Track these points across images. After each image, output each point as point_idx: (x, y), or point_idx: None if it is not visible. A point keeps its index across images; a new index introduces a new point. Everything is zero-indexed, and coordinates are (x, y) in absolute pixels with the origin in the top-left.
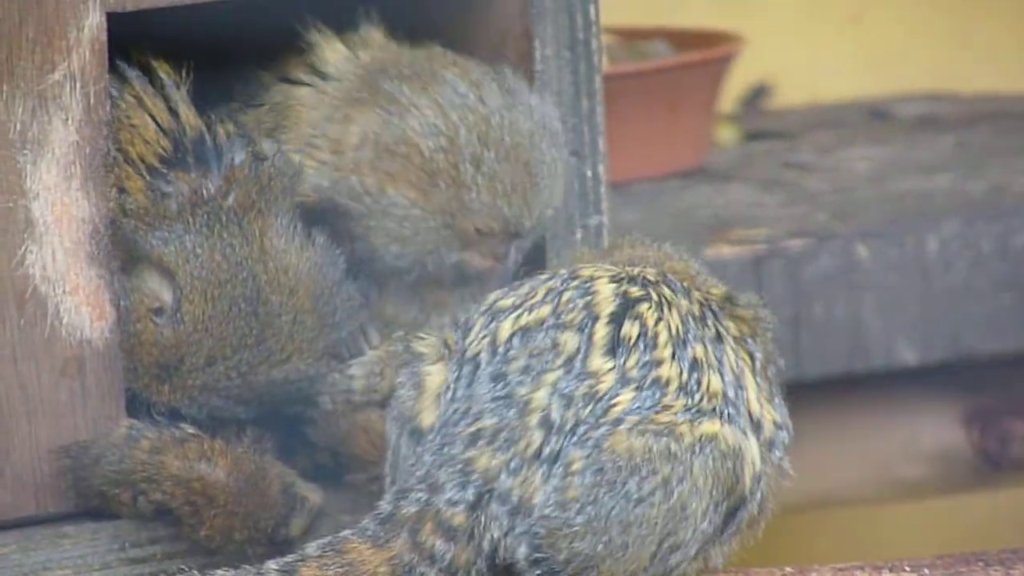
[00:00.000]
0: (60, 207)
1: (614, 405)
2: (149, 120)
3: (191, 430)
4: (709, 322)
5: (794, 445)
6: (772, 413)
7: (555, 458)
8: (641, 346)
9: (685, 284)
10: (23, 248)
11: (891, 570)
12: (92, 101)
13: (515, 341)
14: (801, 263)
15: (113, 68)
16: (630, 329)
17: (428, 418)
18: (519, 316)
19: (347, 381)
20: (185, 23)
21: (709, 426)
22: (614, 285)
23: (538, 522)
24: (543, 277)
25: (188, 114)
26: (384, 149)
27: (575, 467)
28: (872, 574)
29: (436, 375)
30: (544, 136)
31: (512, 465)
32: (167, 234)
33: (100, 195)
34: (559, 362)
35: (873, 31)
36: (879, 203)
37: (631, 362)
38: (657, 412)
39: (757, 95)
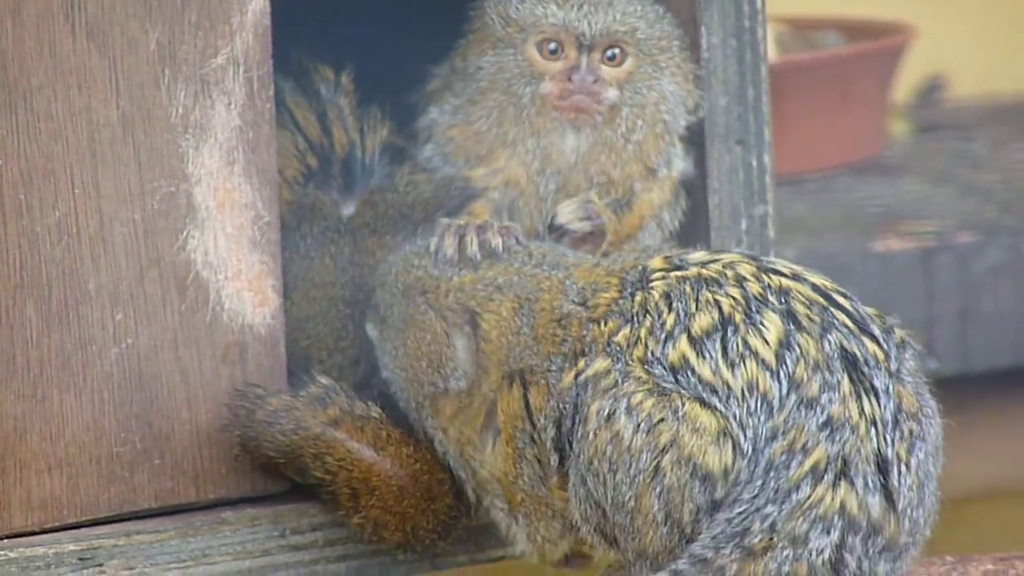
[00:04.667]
0: (223, 192)
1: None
2: (299, 137)
3: (376, 413)
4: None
5: (961, 436)
6: None
7: (898, 458)
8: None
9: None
10: (185, 233)
11: None
12: (255, 86)
13: (787, 359)
14: (970, 257)
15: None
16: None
17: (715, 459)
18: (760, 334)
19: None
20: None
21: None
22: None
23: (905, 536)
24: (697, 287)
25: (339, 131)
26: None
27: (903, 453)
28: None
29: (702, 416)
30: None
31: (870, 484)
32: (284, 240)
33: (263, 180)
34: (840, 366)
35: None
36: None
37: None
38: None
39: (932, 88)
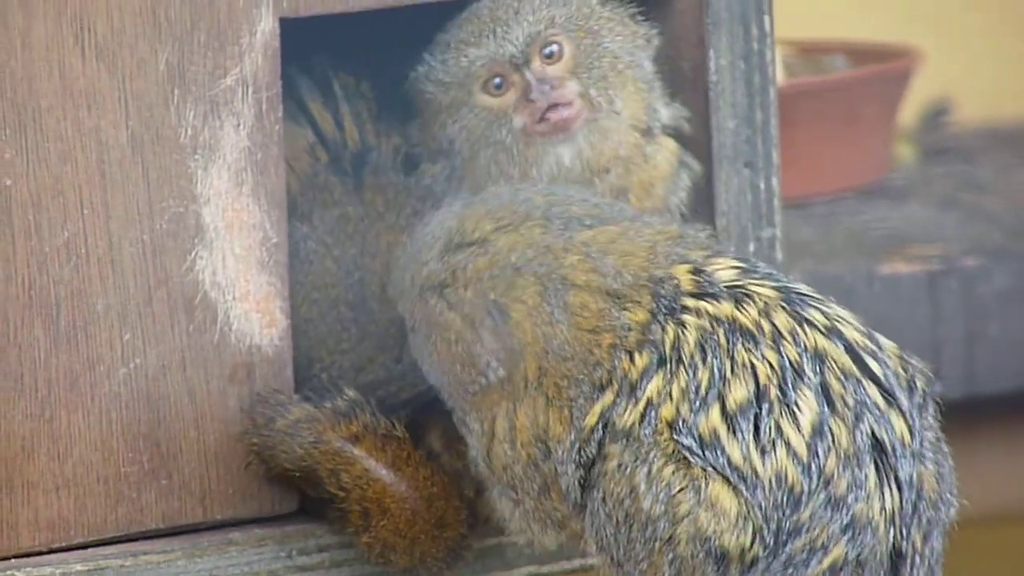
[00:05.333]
0: (231, 213)
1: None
2: (311, 131)
3: (400, 432)
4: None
5: (967, 460)
6: None
7: (912, 548)
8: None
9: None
10: (193, 253)
11: None
12: (264, 107)
13: (819, 451)
14: (976, 280)
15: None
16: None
17: (732, 541)
18: (795, 417)
19: None
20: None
21: None
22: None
23: None
24: (722, 352)
25: (352, 128)
26: None
27: (919, 542)
28: None
29: (724, 496)
30: None
31: None
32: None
33: (271, 202)
34: (868, 459)
35: None
36: None
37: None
38: None
39: (938, 113)
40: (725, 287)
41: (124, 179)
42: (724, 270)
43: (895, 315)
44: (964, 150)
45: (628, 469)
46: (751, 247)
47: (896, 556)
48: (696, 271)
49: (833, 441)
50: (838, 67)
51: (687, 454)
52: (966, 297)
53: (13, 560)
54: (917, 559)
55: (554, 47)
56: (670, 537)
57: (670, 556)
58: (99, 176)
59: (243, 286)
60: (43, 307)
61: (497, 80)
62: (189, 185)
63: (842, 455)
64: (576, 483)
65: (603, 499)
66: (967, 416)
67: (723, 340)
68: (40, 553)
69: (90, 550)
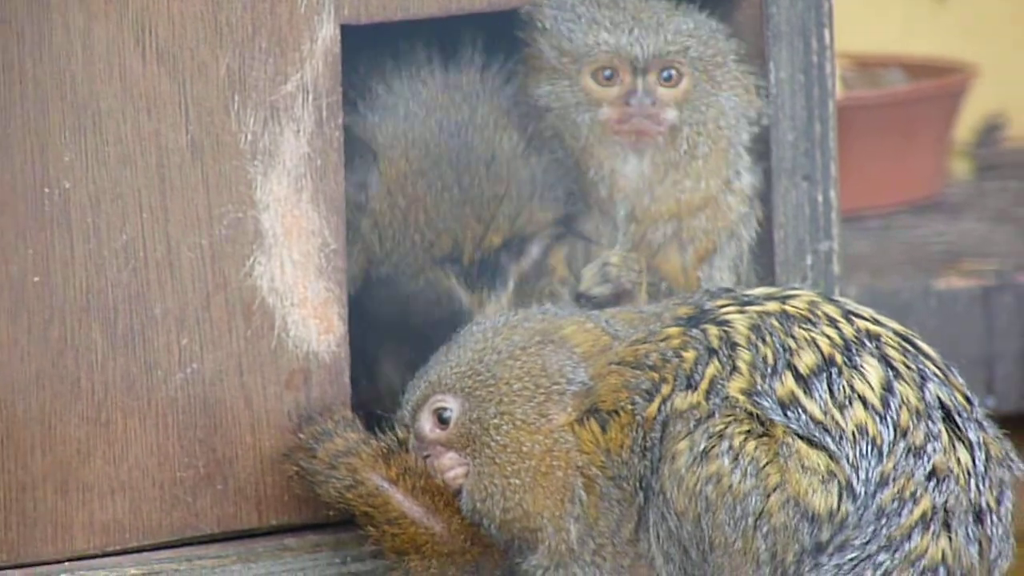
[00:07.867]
0: (290, 219)
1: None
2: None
3: (440, 479)
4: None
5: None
6: None
7: (988, 507)
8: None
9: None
10: (251, 259)
11: None
12: (324, 113)
13: (892, 405)
14: None
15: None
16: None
17: (819, 503)
18: (864, 377)
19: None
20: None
21: None
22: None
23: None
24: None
25: None
26: None
27: (993, 503)
28: None
29: (812, 453)
30: None
31: (970, 534)
32: (381, 112)
33: (330, 208)
34: (938, 415)
35: None
36: None
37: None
38: None
39: (993, 128)
40: (763, 297)
41: (183, 184)
42: (756, 290)
43: (950, 329)
44: (1019, 165)
45: (701, 449)
46: (808, 260)
47: (978, 511)
48: (728, 294)
49: (902, 398)
50: (895, 81)
51: (771, 414)
52: (1021, 312)
53: (67, 563)
54: (995, 518)
55: (674, 74)
56: (762, 511)
57: (764, 529)
58: (158, 180)
59: (301, 292)
60: (101, 310)
61: (608, 71)
62: (248, 191)
63: (913, 410)
64: (637, 483)
65: (675, 500)
66: (1020, 431)
67: (777, 324)
68: (94, 556)
69: (144, 554)
